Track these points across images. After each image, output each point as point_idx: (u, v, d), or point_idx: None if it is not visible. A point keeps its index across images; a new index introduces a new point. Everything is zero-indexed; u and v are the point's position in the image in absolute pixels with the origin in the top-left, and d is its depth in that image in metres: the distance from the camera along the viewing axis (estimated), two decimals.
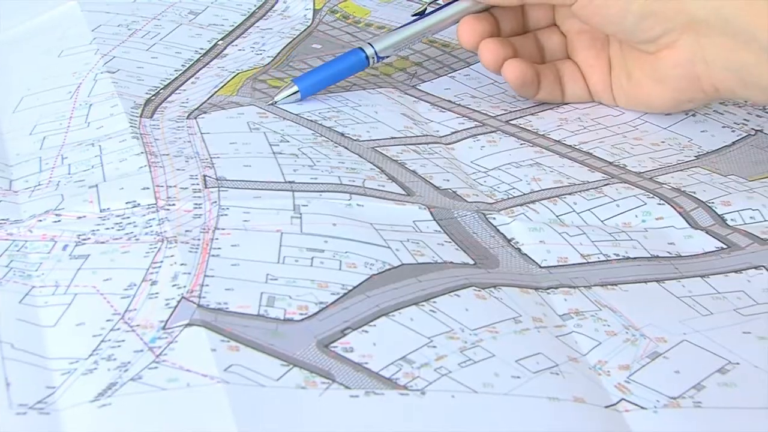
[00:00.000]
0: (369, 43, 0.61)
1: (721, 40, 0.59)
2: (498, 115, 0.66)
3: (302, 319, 0.47)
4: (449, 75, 0.70)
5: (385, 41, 0.62)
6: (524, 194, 0.58)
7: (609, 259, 0.54)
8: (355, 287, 0.49)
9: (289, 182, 0.56)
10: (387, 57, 0.62)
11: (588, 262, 0.53)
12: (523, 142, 0.63)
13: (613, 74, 0.65)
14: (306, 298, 0.48)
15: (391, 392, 0.44)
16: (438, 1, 0.64)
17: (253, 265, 0.50)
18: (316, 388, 0.44)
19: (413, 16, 0.63)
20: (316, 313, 0.47)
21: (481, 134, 0.64)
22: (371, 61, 0.60)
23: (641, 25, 0.61)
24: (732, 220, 0.57)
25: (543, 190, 0.59)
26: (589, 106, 0.67)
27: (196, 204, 0.54)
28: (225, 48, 0.71)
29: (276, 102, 0.60)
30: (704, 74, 0.61)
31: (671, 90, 0.63)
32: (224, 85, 0.67)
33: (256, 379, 0.44)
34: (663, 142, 0.64)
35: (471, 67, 0.71)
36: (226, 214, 0.53)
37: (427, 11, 0.63)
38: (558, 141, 0.64)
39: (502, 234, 0.55)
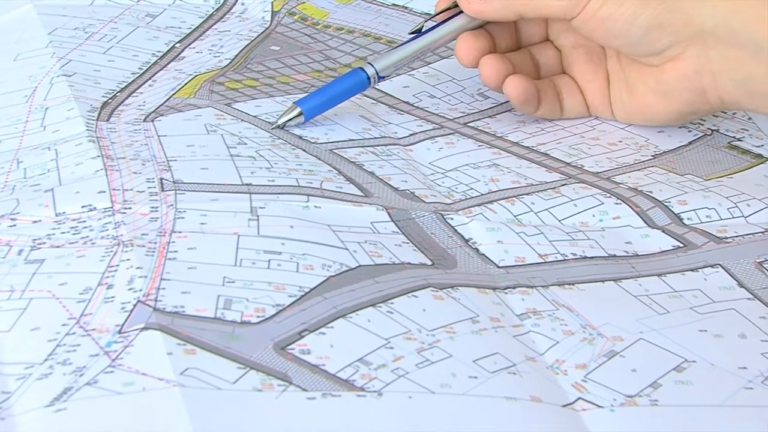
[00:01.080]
0: (369, 63, 0.61)
1: (728, 52, 0.59)
2: (456, 118, 0.66)
3: (259, 322, 0.47)
4: (408, 73, 0.70)
5: (386, 60, 0.61)
6: (482, 194, 0.58)
7: (566, 258, 0.54)
8: (312, 289, 0.49)
9: (246, 185, 0.56)
10: (387, 76, 0.61)
11: (545, 262, 0.53)
12: (480, 143, 0.63)
13: (611, 88, 0.64)
14: (263, 300, 0.48)
15: (348, 394, 0.44)
16: (433, 19, 0.63)
17: (209, 268, 0.50)
18: (273, 390, 0.43)
19: (410, 34, 0.62)
20: (273, 316, 0.47)
21: (439, 136, 0.64)
22: (372, 80, 0.60)
23: (647, 37, 0.60)
24: (688, 219, 0.58)
25: (501, 190, 0.59)
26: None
27: (152, 207, 0.54)
28: (182, 50, 0.71)
29: (280, 125, 0.59)
30: (710, 86, 0.60)
31: (676, 103, 0.62)
32: (181, 87, 0.67)
33: (212, 382, 0.43)
34: (620, 141, 0.64)
35: (430, 65, 0.71)
36: (182, 217, 0.53)
37: (423, 29, 0.62)
38: (516, 143, 0.64)
39: (459, 234, 0.55)
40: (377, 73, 0.60)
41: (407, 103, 0.68)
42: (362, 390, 0.44)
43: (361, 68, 0.60)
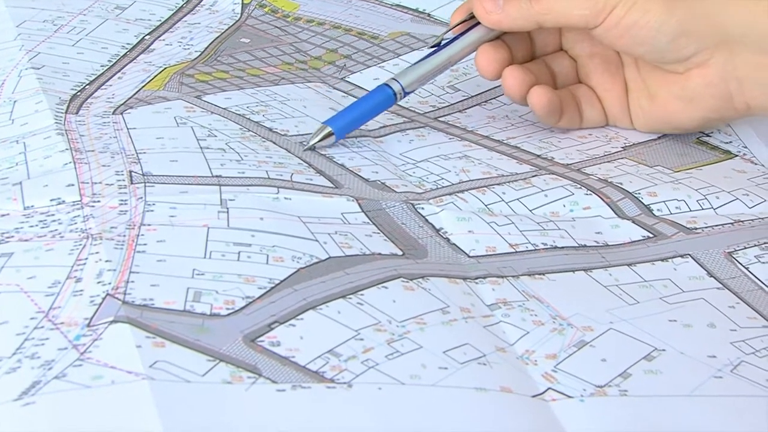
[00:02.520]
0: (394, 79, 0.60)
1: (755, 58, 0.58)
2: (426, 112, 0.66)
3: (229, 314, 0.47)
4: (378, 66, 0.70)
5: (411, 76, 0.60)
6: (453, 184, 0.58)
7: (537, 248, 0.54)
8: (282, 281, 0.49)
9: (216, 176, 0.56)
10: (413, 91, 0.60)
11: (516, 252, 0.53)
12: (451, 136, 0.63)
13: (630, 97, 0.63)
14: (233, 292, 0.48)
15: (318, 386, 0.44)
16: (451, 31, 0.62)
17: (179, 260, 0.49)
18: (243, 382, 0.43)
19: (430, 48, 0.61)
20: (242, 308, 0.47)
21: (409, 129, 0.64)
22: (398, 96, 0.59)
23: (674, 44, 0.59)
24: (658, 210, 0.58)
25: (471, 180, 0.59)
26: (515, 108, 0.67)
27: (121, 200, 0.54)
28: (152, 43, 0.71)
29: (311, 147, 0.57)
30: (737, 92, 0.60)
31: (702, 109, 0.61)
32: (151, 80, 0.66)
33: (181, 375, 0.43)
34: (590, 134, 0.64)
35: (400, 57, 0.70)
36: (152, 210, 0.53)
37: (443, 42, 0.61)
38: (486, 136, 0.64)
39: (430, 224, 0.55)
40: (403, 89, 0.59)
41: None
42: (332, 382, 0.44)
43: (387, 85, 0.59)
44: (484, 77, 0.62)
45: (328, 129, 0.58)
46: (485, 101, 0.67)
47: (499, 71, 0.62)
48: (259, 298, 0.48)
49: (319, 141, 0.58)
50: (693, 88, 0.60)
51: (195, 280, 0.48)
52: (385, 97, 0.59)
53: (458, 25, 0.62)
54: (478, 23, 0.62)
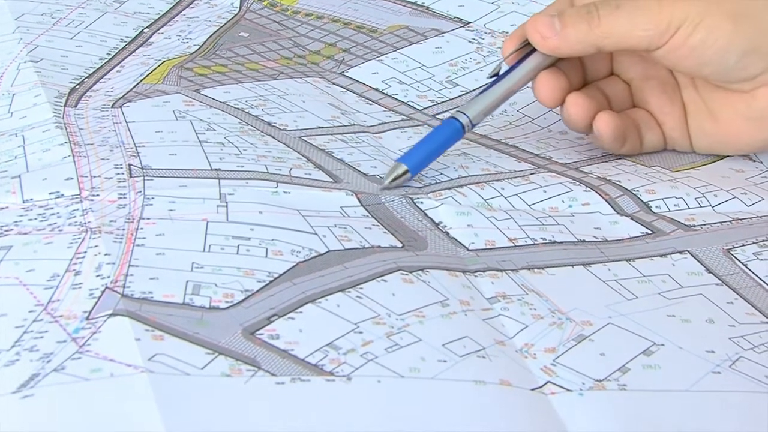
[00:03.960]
0: (461, 112, 0.58)
1: None
2: (424, 108, 0.66)
3: (228, 307, 0.47)
4: (377, 59, 0.70)
5: (476, 108, 0.59)
6: (452, 179, 0.58)
7: (536, 243, 0.54)
8: (281, 275, 0.49)
9: (215, 170, 0.56)
10: (479, 123, 0.59)
11: (515, 246, 0.53)
12: None
13: (690, 119, 0.62)
14: (232, 286, 0.48)
15: (317, 379, 0.44)
16: (505, 61, 0.60)
17: (178, 254, 0.50)
18: (242, 375, 0.43)
19: (489, 77, 0.59)
20: (241, 301, 0.47)
21: (408, 127, 0.64)
22: (466, 129, 0.58)
23: (742, 62, 0.57)
24: (657, 207, 0.58)
25: (470, 176, 0.59)
26: (513, 101, 0.67)
27: (120, 194, 0.54)
28: (151, 36, 0.71)
29: (389, 186, 0.56)
30: None
31: None
32: (150, 73, 0.66)
33: (180, 368, 0.43)
34: (588, 135, 0.64)
35: (399, 51, 0.71)
36: (151, 204, 0.53)
37: (501, 71, 0.60)
38: (484, 135, 0.64)
39: (429, 218, 0.55)
40: (470, 120, 0.58)
41: (376, 89, 0.68)
42: (331, 374, 0.44)
43: (455, 118, 0.58)
44: (545, 105, 0.60)
45: (404, 167, 0.56)
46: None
47: (561, 99, 0.60)
48: (258, 291, 0.48)
49: (395, 179, 0.56)
50: (760, 107, 0.59)
51: (194, 273, 0.48)
52: (454, 131, 0.58)
53: (513, 54, 0.60)
54: (533, 50, 0.60)
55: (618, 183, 0.59)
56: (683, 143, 0.62)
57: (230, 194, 0.54)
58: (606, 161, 0.62)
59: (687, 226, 0.56)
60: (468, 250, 0.53)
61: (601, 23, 0.58)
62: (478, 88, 0.67)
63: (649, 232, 0.56)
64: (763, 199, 0.59)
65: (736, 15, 0.57)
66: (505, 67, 0.60)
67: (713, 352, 0.48)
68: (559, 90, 0.60)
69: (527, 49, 0.60)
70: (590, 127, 0.60)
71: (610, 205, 0.58)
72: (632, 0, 0.58)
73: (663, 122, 0.62)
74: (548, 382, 0.46)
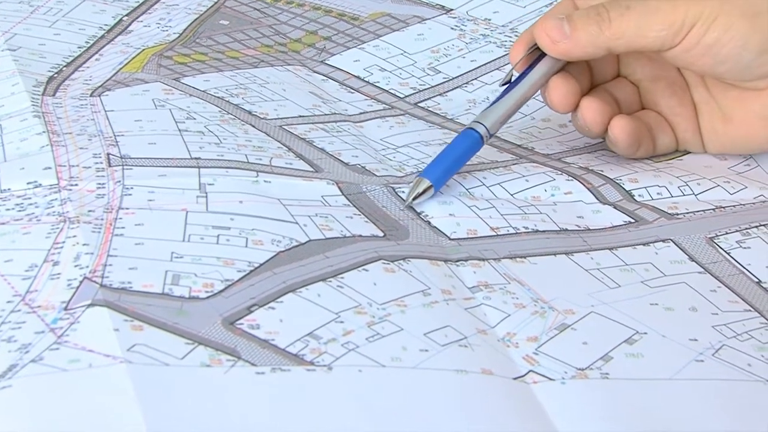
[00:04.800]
0: (478, 122, 0.57)
1: None
2: (406, 96, 0.66)
3: (207, 297, 0.47)
4: (359, 47, 0.70)
5: (492, 117, 0.57)
6: None
7: (518, 231, 0.54)
8: (261, 264, 0.49)
9: (195, 159, 0.56)
10: (496, 132, 0.58)
11: (497, 235, 0.54)
12: (431, 124, 0.64)
13: (702, 120, 0.61)
14: (211, 275, 0.48)
15: (297, 368, 0.44)
16: (515, 69, 0.59)
17: (157, 243, 0.49)
18: (222, 365, 0.43)
19: (501, 85, 0.59)
20: (221, 291, 0.47)
21: (389, 116, 0.64)
22: (485, 139, 0.57)
23: (759, 60, 0.56)
24: (639, 195, 0.58)
25: None
26: (496, 89, 0.67)
27: (99, 183, 0.54)
28: (130, 24, 0.71)
29: (413, 203, 0.54)
30: None
31: None
32: (129, 61, 0.66)
33: (159, 359, 0.43)
34: (570, 123, 0.64)
35: (380, 38, 0.71)
36: (130, 194, 0.53)
37: (512, 79, 0.59)
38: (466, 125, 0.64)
39: (411, 207, 0.55)
40: (488, 130, 0.57)
41: (357, 77, 0.68)
42: (312, 364, 0.44)
43: (472, 129, 0.57)
44: (558, 111, 0.59)
45: (427, 182, 0.55)
46: (466, 83, 0.67)
47: (574, 104, 0.59)
48: (238, 281, 0.48)
49: (418, 196, 0.55)
50: None
51: (173, 263, 0.48)
52: (473, 142, 0.57)
53: (522, 59, 0.59)
54: (542, 55, 0.59)
55: (600, 172, 0.59)
56: (695, 144, 0.61)
57: (210, 184, 0.54)
58: (588, 152, 0.62)
59: (670, 214, 0.56)
60: (450, 239, 0.53)
61: (612, 25, 0.57)
62: (460, 75, 0.67)
63: (632, 220, 0.56)
64: (746, 187, 0.59)
65: (751, 12, 0.56)
66: (516, 74, 0.59)
67: (696, 340, 0.48)
68: (572, 95, 0.59)
69: (536, 54, 0.59)
70: (604, 132, 0.59)
71: (592, 193, 0.58)
72: (642, 0, 0.57)
73: (674, 124, 0.61)
74: (530, 371, 0.46)
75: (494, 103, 0.58)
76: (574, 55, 0.58)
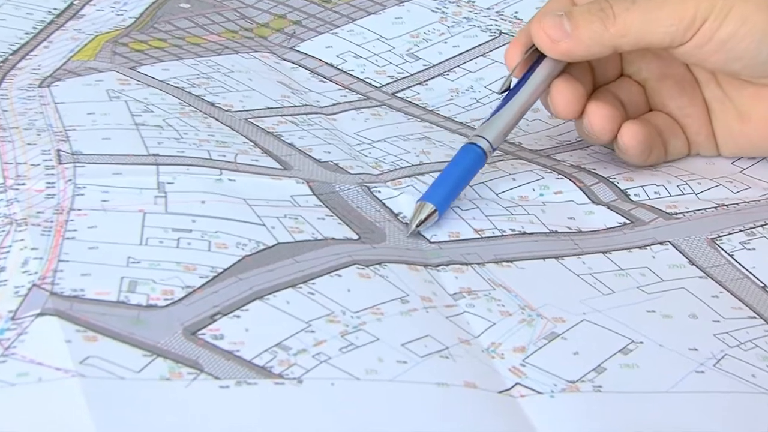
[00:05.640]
0: (479, 136, 0.57)
1: None
2: (383, 86, 0.66)
3: (167, 305, 0.47)
4: (331, 32, 0.70)
5: (494, 130, 0.57)
6: (413, 165, 0.59)
7: (504, 234, 0.55)
8: (225, 270, 0.49)
9: (153, 156, 0.56)
10: (499, 146, 0.58)
11: (482, 237, 0.54)
12: (410, 117, 0.64)
13: (715, 120, 0.61)
14: (171, 282, 0.48)
15: (265, 381, 0.44)
16: (513, 75, 0.59)
17: (112, 247, 0.50)
18: (182, 379, 0.44)
19: (500, 93, 0.58)
20: (182, 298, 0.48)
21: (365, 107, 0.65)
22: (488, 154, 0.56)
23: None
24: (635, 195, 0.58)
25: (433, 163, 0.60)
26: (480, 77, 0.67)
27: (48, 183, 0.54)
28: (82, 8, 0.71)
29: (417, 231, 0.54)
30: None
31: None
32: (81, 49, 0.66)
33: (115, 372, 0.44)
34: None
35: (355, 22, 0.71)
36: (82, 194, 0.53)
37: (512, 84, 0.58)
38: (448, 118, 0.64)
39: (388, 208, 0.56)
40: (491, 144, 0.56)
41: (330, 65, 0.68)
42: (280, 377, 0.44)
43: (473, 143, 0.56)
44: (562, 118, 0.59)
45: (431, 206, 0.54)
46: (448, 71, 0.68)
47: (580, 109, 0.59)
48: (200, 287, 0.48)
49: (421, 222, 0.54)
50: None
51: (130, 268, 0.49)
52: (476, 158, 0.56)
53: (520, 64, 0.58)
54: (542, 56, 0.58)
55: (593, 170, 0.60)
56: (709, 147, 0.62)
57: (169, 183, 0.54)
58: (580, 148, 0.62)
59: (668, 214, 0.57)
60: (430, 242, 0.54)
61: (617, 21, 0.56)
62: (441, 62, 0.67)
63: (627, 221, 0.56)
64: (750, 187, 0.59)
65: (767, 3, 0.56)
66: (515, 80, 0.59)
67: (696, 350, 0.48)
68: (577, 100, 0.58)
69: (535, 56, 0.59)
70: (613, 139, 0.59)
71: (584, 193, 0.58)
72: None
73: (685, 125, 0.61)
74: (517, 383, 0.46)
75: (494, 113, 0.58)
76: (576, 55, 0.58)
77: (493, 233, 0.55)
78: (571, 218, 0.56)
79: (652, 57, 0.61)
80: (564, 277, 0.52)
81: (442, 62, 0.69)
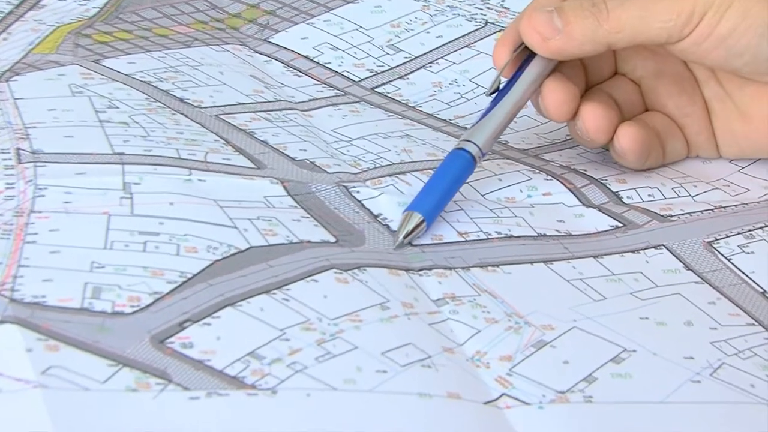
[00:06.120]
0: (468, 140, 0.56)
1: None
2: (362, 80, 0.67)
3: (133, 312, 0.47)
4: (307, 22, 0.70)
5: (483, 134, 0.57)
6: (394, 164, 0.59)
7: (490, 237, 0.55)
8: (195, 275, 0.50)
9: (119, 155, 0.57)
10: (489, 151, 0.58)
11: (466, 241, 0.55)
12: (391, 113, 0.64)
13: (715, 120, 0.61)
14: (138, 287, 0.48)
15: (237, 393, 0.44)
16: (502, 75, 0.59)
17: (75, 251, 0.50)
18: (150, 390, 0.44)
19: (489, 95, 0.58)
20: (149, 305, 0.48)
21: (342, 104, 0.65)
22: (478, 160, 0.56)
23: None
24: (628, 197, 0.59)
25: (415, 162, 0.60)
26: (465, 69, 0.67)
27: (7, 183, 0.54)
28: None
29: (405, 243, 0.54)
30: None
31: None
32: (42, 41, 0.66)
33: (79, 382, 0.44)
34: None
35: (331, 11, 0.71)
36: (43, 195, 0.53)
37: (501, 85, 0.58)
38: (431, 114, 0.65)
39: (367, 209, 0.56)
40: (480, 149, 0.56)
41: (306, 57, 0.68)
42: (253, 388, 0.45)
43: (462, 149, 0.56)
44: (554, 120, 0.59)
45: (418, 216, 0.54)
46: (430, 62, 0.68)
47: (573, 111, 0.59)
48: (168, 293, 0.48)
49: (408, 234, 0.54)
50: None
51: (94, 273, 0.49)
52: (465, 164, 0.56)
53: (508, 63, 0.58)
54: (531, 55, 0.59)
55: (584, 171, 0.60)
56: (709, 149, 0.62)
57: (136, 183, 0.54)
58: (570, 147, 0.63)
59: (662, 216, 0.57)
60: (412, 245, 0.54)
61: (611, 17, 0.57)
62: (423, 54, 0.68)
63: (620, 224, 0.57)
64: (749, 189, 0.60)
65: None
66: (504, 80, 0.59)
67: (692, 358, 0.49)
68: (570, 101, 0.58)
69: (524, 54, 0.59)
70: (608, 141, 0.60)
71: (574, 195, 0.59)
72: None
73: (684, 126, 0.62)
74: (503, 394, 0.47)
75: (484, 116, 0.58)
76: (568, 53, 0.58)
77: (478, 236, 0.55)
78: (560, 221, 0.57)
79: (648, 54, 0.61)
80: (553, 282, 0.53)
81: (424, 54, 0.69)
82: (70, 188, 0.54)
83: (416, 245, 0.54)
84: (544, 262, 0.54)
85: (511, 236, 0.55)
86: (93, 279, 0.49)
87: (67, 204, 0.53)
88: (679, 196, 0.59)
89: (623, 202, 0.59)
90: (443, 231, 0.55)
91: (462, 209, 0.56)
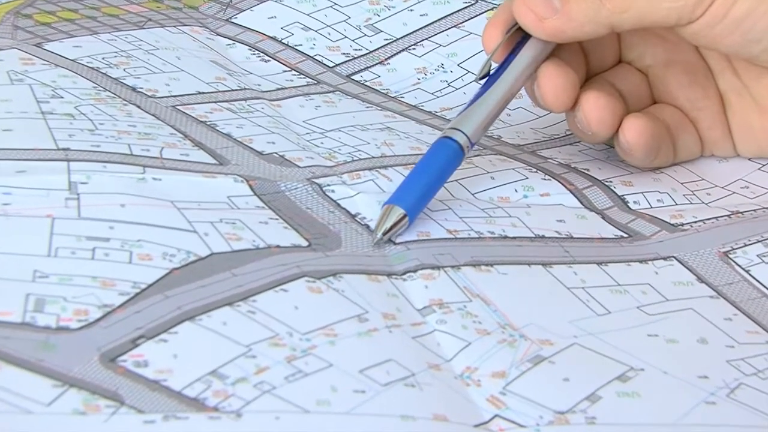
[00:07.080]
0: (456, 128, 0.57)
1: None
2: (337, 65, 0.67)
3: (81, 327, 0.48)
4: (275, 0, 0.71)
5: (472, 123, 0.57)
6: (373, 158, 0.60)
7: (482, 236, 0.55)
8: (150, 285, 0.50)
9: (63, 150, 0.57)
10: (478, 141, 0.58)
11: (456, 238, 0.55)
12: (369, 105, 0.65)
13: (731, 113, 0.62)
14: (86, 299, 0.49)
15: (197, 416, 0.45)
16: (492, 59, 0.59)
17: (15, 259, 0.50)
18: (100, 413, 0.44)
19: (479, 80, 0.58)
20: (98, 319, 0.48)
21: (315, 93, 0.65)
22: (466, 150, 0.56)
23: None
24: (635, 203, 0.60)
25: (397, 156, 0.60)
26: (452, 51, 0.68)
27: None
28: None
29: (386, 239, 0.54)
30: None
31: None
32: None
33: (21, 405, 0.44)
34: None
35: None
36: None
37: (491, 71, 0.59)
38: (414, 106, 0.65)
39: (344, 209, 0.56)
40: (469, 139, 0.56)
41: (274, 39, 0.68)
42: (216, 410, 0.45)
43: (448, 137, 0.57)
44: (551, 110, 0.60)
45: (400, 211, 0.54)
46: (413, 45, 0.69)
47: (572, 99, 0.59)
48: (120, 306, 0.49)
49: (391, 228, 0.54)
50: None
51: (36, 284, 0.49)
52: (452, 155, 0.56)
53: (500, 46, 0.59)
54: (526, 37, 0.59)
55: (586, 171, 0.61)
56: (725, 146, 0.63)
57: (83, 182, 0.55)
58: (570, 143, 0.63)
59: (673, 225, 0.58)
60: (395, 243, 0.54)
61: None
62: (406, 36, 0.68)
63: (625, 235, 0.57)
64: None
65: None
66: (495, 65, 0.59)
67: (707, 377, 0.49)
68: (569, 89, 0.59)
69: (518, 36, 0.59)
70: (611, 136, 0.60)
71: (576, 197, 0.59)
72: None
73: (697, 120, 0.62)
74: (496, 415, 0.47)
75: (472, 102, 0.58)
76: (567, 35, 0.58)
77: (470, 234, 0.55)
78: (560, 221, 0.57)
79: (656, 40, 0.62)
80: (552, 289, 0.53)
81: (407, 35, 0.69)
82: (9, 188, 0.54)
83: (399, 243, 0.54)
84: (543, 264, 0.54)
85: (506, 237, 0.56)
86: (35, 290, 0.49)
87: (6, 206, 0.53)
88: (691, 203, 0.60)
89: (629, 208, 0.59)
90: (430, 228, 0.55)
91: (450, 208, 0.57)
